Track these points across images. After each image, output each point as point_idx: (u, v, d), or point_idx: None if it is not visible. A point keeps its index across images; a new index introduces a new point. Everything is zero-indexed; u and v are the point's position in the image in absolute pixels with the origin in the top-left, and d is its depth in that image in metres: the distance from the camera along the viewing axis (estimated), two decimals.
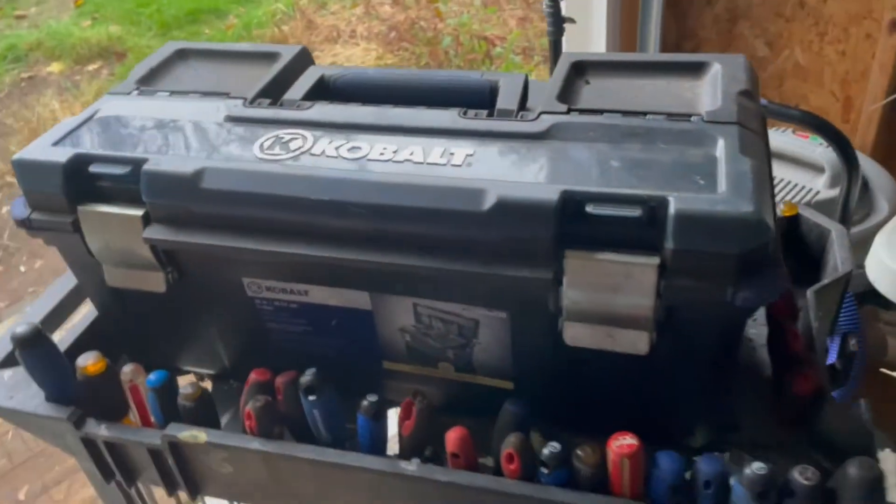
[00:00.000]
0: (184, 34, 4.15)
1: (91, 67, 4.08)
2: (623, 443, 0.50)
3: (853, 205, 0.86)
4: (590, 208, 0.49)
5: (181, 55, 0.75)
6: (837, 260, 0.67)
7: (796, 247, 0.74)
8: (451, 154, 0.56)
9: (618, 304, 0.50)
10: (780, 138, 1.18)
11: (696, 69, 0.62)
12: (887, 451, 0.53)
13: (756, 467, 0.47)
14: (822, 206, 1.08)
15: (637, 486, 0.52)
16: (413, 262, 0.52)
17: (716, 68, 0.61)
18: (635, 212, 0.48)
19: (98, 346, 0.64)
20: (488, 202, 0.50)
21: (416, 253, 0.52)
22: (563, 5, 1.48)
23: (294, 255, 0.55)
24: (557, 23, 1.30)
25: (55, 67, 4.01)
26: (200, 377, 0.75)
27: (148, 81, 0.70)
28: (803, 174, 1.13)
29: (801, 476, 0.47)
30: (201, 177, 0.55)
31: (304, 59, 0.73)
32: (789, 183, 1.14)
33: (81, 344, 0.70)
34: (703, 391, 0.56)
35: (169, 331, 0.69)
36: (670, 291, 0.49)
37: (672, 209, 0.47)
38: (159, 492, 0.69)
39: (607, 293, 0.50)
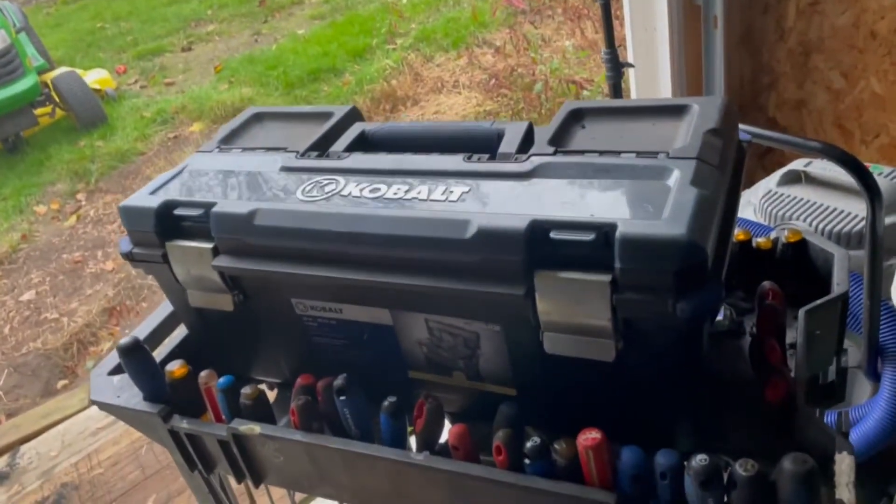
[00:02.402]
0: (306, 92, 4.54)
1: None
2: (588, 437, 0.58)
3: (881, 232, 0.88)
4: (553, 234, 0.58)
5: (257, 118, 0.91)
6: (834, 282, 0.72)
7: (804, 270, 0.78)
8: (451, 192, 0.67)
9: (581, 315, 0.59)
10: (838, 168, 1.19)
11: (678, 111, 0.70)
12: (844, 453, 0.57)
13: (699, 458, 0.54)
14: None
15: (605, 477, 0.59)
16: (408, 281, 0.63)
17: (693, 109, 0.69)
18: (589, 236, 0.57)
19: (187, 358, 0.79)
20: (470, 231, 0.61)
21: (412, 273, 0.63)
22: (629, 49, 1.57)
23: (320, 278, 0.67)
24: (615, 68, 1.39)
25: (196, 127, 4.49)
26: (271, 386, 0.89)
27: (228, 140, 0.86)
28: (858, 203, 1.14)
29: (742, 468, 0.53)
30: (254, 216, 0.70)
31: (353, 117, 0.86)
32: (843, 212, 1.15)
33: (174, 356, 0.85)
34: (673, 396, 0.62)
35: (240, 345, 0.83)
36: (622, 304, 0.57)
37: (619, 233, 0.56)
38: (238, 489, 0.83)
39: (572, 306, 0.59)
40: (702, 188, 0.58)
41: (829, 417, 1.08)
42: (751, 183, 1.43)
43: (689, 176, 0.60)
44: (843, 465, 0.56)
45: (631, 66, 1.41)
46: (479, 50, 4.22)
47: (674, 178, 0.60)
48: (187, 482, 0.87)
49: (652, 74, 1.61)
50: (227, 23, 6.44)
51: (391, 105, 3.99)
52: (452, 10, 5.13)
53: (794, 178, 1.25)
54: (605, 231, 0.57)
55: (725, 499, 0.55)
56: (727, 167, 0.64)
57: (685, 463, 0.56)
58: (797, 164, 1.26)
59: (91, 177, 4.12)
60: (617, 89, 1.41)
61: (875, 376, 1.07)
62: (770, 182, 1.28)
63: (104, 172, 4.17)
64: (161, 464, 1.94)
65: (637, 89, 1.65)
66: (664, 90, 1.60)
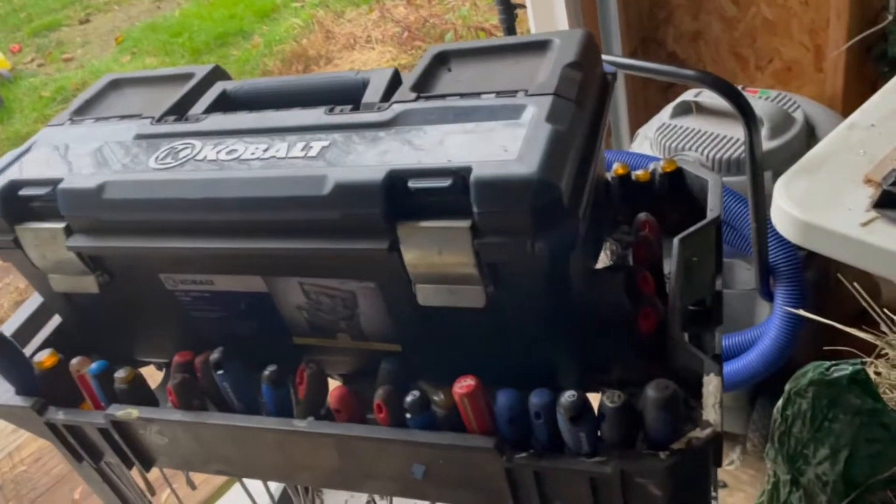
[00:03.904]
0: (213, 57, 4.35)
1: None
2: (462, 384, 0.57)
3: (759, 155, 0.89)
4: (411, 183, 0.56)
5: (114, 84, 0.85)
6: (708, 208, 0.72)
7: (682, 198, 0.79)
8: (310, 147, 0.64)
9: (446, 264, 0.57)
10: None
11: (540, 47, 0.68)
12: (712, 374, 0.58)
13: (567, 395, 0.54)
14: (764, 157, 1.10)
15: (484, 423, 0.58)
16: (272, 245, 0.60)
17: (555, 44, 0.67)
18: (446, 182, 0.55)
19: (63, 347, 0.74)
20: (328, 187, 0.58)
21: (275, 237, 0.60)
22: None
23: (181, 249, 0.64)
24: (508, 10, 1.36)
25: None
26: (159, 366, 0.85)
27: (81, 112, 0.80)
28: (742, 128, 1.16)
29: (608, 400, 0.53)
30: (103, 189, 0.65)
31: (216, 76, 0.82)
32: (731, 139, 1.17)
33: (48, 345, 0.80)
34: (548, 336, 0.62)
35: (117, 327, 0.79)
36: (484, 249, 0.55)
37: (473, 176, 0.54)
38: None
39: (437, 256, 0.57)
40: (556, 124, 0.57)
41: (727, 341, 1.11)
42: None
43: (545, 113, 0.58)
44: (710, 387, 0.57)
45: (522, 6, 1.38)
46: (390, 2, 4.11)
47: (529, 115, 0.58)
48: (79, 474, 0.83)
49: (548, 14, 1.58)
50: None
51: (304, 66, 3.87)
52: None
53: (685, 110, 1.26)
54: (460, 175, 0.55)
55: (599, 432, 0.56)
56: (586, 101, 0.63)
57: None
58: (688, 95, 1.27)
59: None
60: (511, 31, 1.39)
61: (769, 296, 1.10)
62: (663, 115, 1.29)
63: None
64: None
65: (536, 30, 1.63)
66: (561, 27, 1.58)
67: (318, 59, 3.87)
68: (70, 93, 4.47)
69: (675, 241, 0.68)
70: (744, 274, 1.20)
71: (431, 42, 3.40)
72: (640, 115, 1.78)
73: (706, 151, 1.17)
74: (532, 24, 1.65)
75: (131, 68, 4.39)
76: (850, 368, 0.65)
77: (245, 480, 0.91)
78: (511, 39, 0.74)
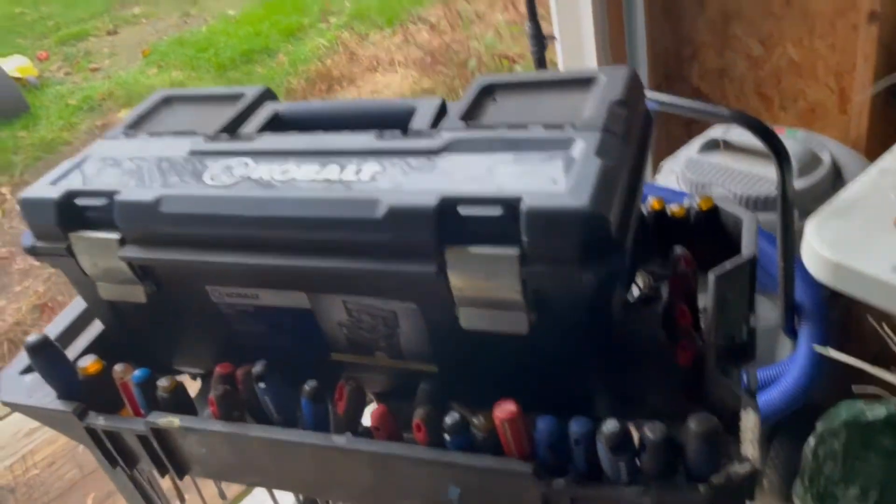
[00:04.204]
0: (238, 74, 4.42)
1: None
2: (504, 409, 0.59)
3: (791, 195, 0.91)
4: (461, 210, 0.58)
5: (167, 101, 0.87)
6: (743, 246, 0.74)
7: (717, 236, 0.80)
8: (362, 171, 0.66)
9: (493, 290, 0.59)
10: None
11: (586, 83, 0.70)
12: (749, 410, 0.59)
13: (609, 425, 0.55)
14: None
15: (522, 447, 0.60)
16: (321, 263, 0.62)
17: (601, 80, 0.69)
18: (496, 210, 0.57)
19: (104, 354, 0.76)
20: (381, 210, 0.60)
21: (325, 255, 0.62)
22: (553, 22, 1.57)
23: (232, 264, 0.66)
24: (539, 42, 1.39)
25: (124, 114, 4.33)
26: (194, 376, 0.87)
27: (135, 126, 0.83)
28: (773, 167, 1.17)
29: (650, 432, 0.54)
30: (160, 203, 0.67)
31: (265, 97, 0.84)
32: (759, 177, 1.18)
33: (90, 351, 0.82)
34: (588, 364, 0.63)
35: (159, 336, 0.81)
36: (531, 277, 0.57)
37: (524, 206, 0.56)
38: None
39: (483, 281, 0.59)
40: (605, 158, 0.59)
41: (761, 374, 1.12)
42: (676, 151, 1.46)
43: (594, 147, 0.60)
44: (748, 422, 0.58)
45: (553, 38, 1.41)
46: (414, 27, 4.18)
47: (578, 150, 0.60)
48: (111, 479, 0.84)
49: (577, 47, 1.62)
50: (154, 4, 6.21)
51: (327, 85, 3.92)
52: None
53: (713, 146, 1.28)
54: (511, 205, 0.57)
55: (637, 462, 0.57)
56: (632, 137, 0.65)
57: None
58: (716, 132, 1.29)
59: (15, 169, 3.95)
60: (542, 63, 1.42)
61: (793, 333, 1.11)
62: (691, 150, 1.31)
63: (29, 164, 4.00)
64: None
65: (563, 63, 1.66)
66: (589, 63, 1.61)
67: (342, 79, 3.92)
68: (96, 102, 4.54)
69: (711, 276, 0.70)
70: (766, 310, 1.21)
71: (454, 67, 3.45)
72: (661, 147, 1.80)
73: (733, 188, 1.19)
74: (560, 55, 1.68)
75: (157, 81, 4.47)
76: (885, 410, 0.66)
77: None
78: (556, 74, 0.76)
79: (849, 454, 0.67)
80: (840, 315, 1.17)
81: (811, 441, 0.67)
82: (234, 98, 0.84)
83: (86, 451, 1.98)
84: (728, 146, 1.27)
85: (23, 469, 1.96)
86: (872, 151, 1.45)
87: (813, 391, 1.11)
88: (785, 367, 1.11)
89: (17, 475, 1.94)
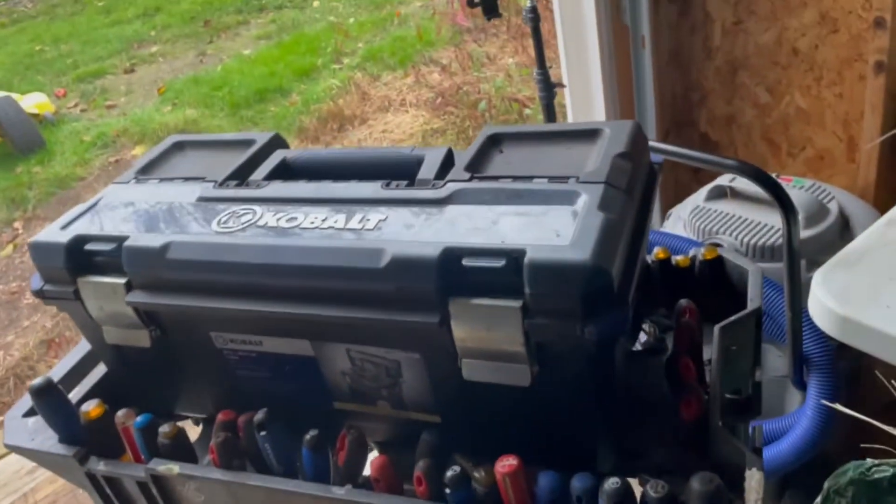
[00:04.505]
0: (252, 112, 4.49)
1: None
2: (505, 464, 0.58)
3: (797, 246, 0.91)
4: (465, 261, 0.58)
5: (178, 146, 0.89)
6: (748, 298, 0.73)
7: (721, 286, 0.80)
8: (367, 220, 0.66)
9: (495, 341, 0.59)
10: None
11: (591, 135, 0.71)
12: (754, 469, 0.58)
13: (611, 482, 0.54)
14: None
15: (523, 502, 0.59)
16: (325, 312, 0.62)
17: (605, 133, 0.70)
18: (500, 262, 0.57)
19: (107, 397, 0.76)
20: (385, 260, 0.60)
21: (329, 304, 0.63)
22: (562, 68, 1.59)
23: (237, 311, 0.66)
24: (548, 88, 1.41)
25: (138, 150, 4.40)
26: (196, 421, 0.86)
27: (146, 171, 0.84)
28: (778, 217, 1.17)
29: (652, 490, 0.54)
30: (167, 249, 0.68)
31: (275, 144, 0.85)
32: (766, 226, 1.18)
33: (92, 395, 0.82)
34: (590, 418, 0.62)
35: (162, 381, 0.81)
36: (533, 329, 0.57)
37: (527, 259, 0.56)
38: None
39: (486, 332, 0.59)
40: (608, 212, 0.59)
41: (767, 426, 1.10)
42: (684, 198, 1.46)
43: (597, 201, 0.60)
44: (753, 482, 0.57)
45: (562, 86, 1.43)
46: (425, 69, 4.24)
47: (581, 203, 0.61)
48: None
49: (585, 93, 1.63)
50: (170, 43, 6.34)
51: (339, 124, 3.97)
52: (399, 30, 5.15)
53: (720, 194, 1.29)
54: (514, 257, 0.57)
55: None
56: (635, 190, 0.65)
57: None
58: (723, 180, 1.29)
59: (28, 204, 3.99)
60: (550, 109, 1.43)
61: (802, 385, 1.09)
62: (698, 198, 1.31)
63: (42, 199, 4.05)
64: None
65: (572, 108, 1.68)
66: (598, 109, 1.62)
67: (353, 119, 3.97)
68: (110, 138, 4.61)
69: (716, 329, 0.69)
70: (774, 360, 1.20)
71: (464, 108, 3.49)
72: (669, 194, 1.81)
73: (740, 236, 1.19)
74: (569, 101, 1.70)
75: (171, 119, 4.53)
76: (891, 471, 0.65)
77: None
78: (562, 126, 0.77)
79: None
80: (849, 366, 1.15)
81: (819, 501, 0.66)
82: (245, 144, 0.85)
83: None
84: (735, 194, 1.28)
85: None
86: (881, 200, 1.45)
87: (823, 444, 1.10)
88: (794, 419, 1.10)
89: None
